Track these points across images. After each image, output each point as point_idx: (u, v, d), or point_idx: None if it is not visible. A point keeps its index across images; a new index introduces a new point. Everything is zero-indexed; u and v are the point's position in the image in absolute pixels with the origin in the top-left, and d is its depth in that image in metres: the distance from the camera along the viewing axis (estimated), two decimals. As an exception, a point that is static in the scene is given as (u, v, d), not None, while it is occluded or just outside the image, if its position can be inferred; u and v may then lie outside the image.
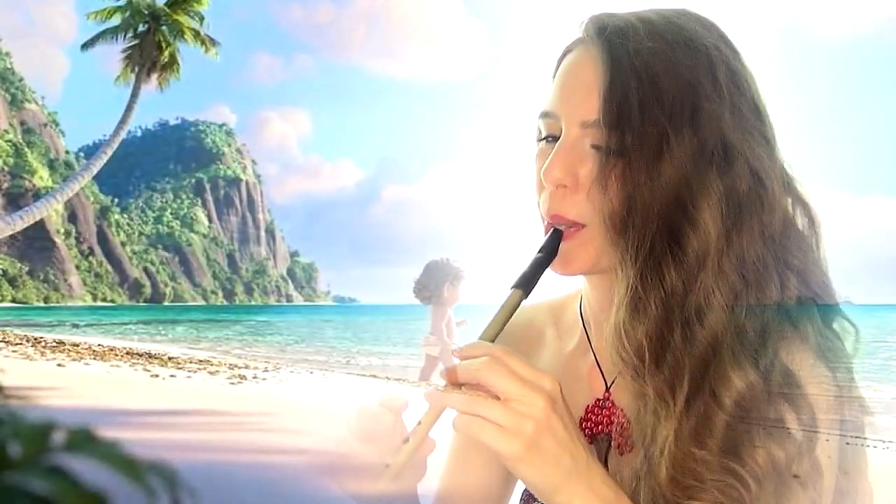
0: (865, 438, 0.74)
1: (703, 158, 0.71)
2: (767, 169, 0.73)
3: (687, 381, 0.70)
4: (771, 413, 0.70)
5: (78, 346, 15.02)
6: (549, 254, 0.76)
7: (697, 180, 0.70)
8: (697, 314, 0.70)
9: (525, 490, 0.92)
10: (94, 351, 14.00)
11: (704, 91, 0.72)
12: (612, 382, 0.84)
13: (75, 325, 39.89)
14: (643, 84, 0.71)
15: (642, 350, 0.71)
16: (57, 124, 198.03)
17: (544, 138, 0.80)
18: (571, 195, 0.75)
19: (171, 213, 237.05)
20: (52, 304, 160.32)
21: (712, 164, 0.71)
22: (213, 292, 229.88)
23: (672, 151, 0.70)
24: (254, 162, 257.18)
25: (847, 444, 0.73)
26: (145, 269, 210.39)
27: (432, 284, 5.41)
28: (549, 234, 0.76)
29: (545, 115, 0.79)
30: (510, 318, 0.73)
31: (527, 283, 0.75)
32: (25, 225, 21.44)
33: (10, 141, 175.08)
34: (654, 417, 0.71)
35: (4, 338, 15.90)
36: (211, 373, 11.00)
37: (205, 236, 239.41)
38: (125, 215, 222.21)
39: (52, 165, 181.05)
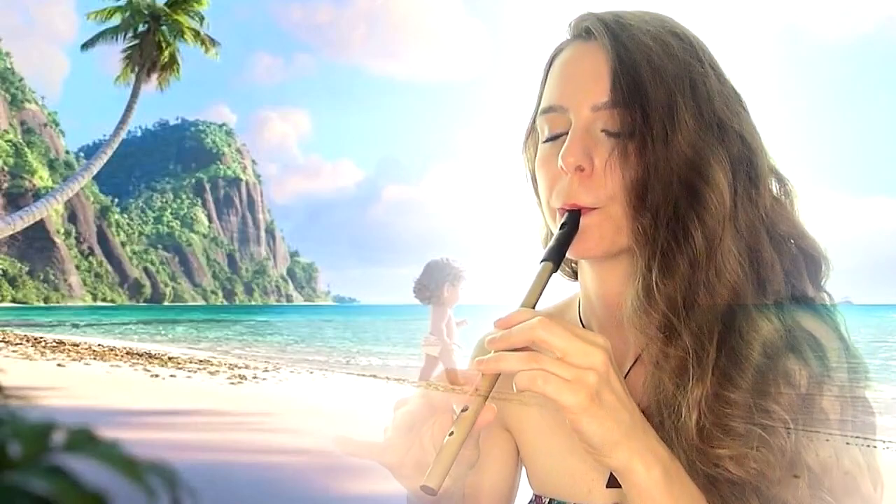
0: (867, 438, 0.74)
1: (704, 127, 0.77)
2: (752, 137, 0.80)
3: (717, 328, 0.74)
4: (794, 369, 0.73)
5: (78, 346, 15.03)
6: (571, 228, 0.77)
7: (704, 146, 0.76)
8: (719, 269, 0.75)
9: (533, 498, 0.92)
10: (94, 351, 14.00)
11: (696, 70, 0.79)
12: (625, 376, 0.83)
13: (75, 325, 39.92)
14: (647, 65, 0.77)
15: (675, 305, 0.74)
16: (57, 124, 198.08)
17: (549, 139, 0.81)
18: (587, 180, 0.77)
19: (171, 213, 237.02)
20: (52, 304, 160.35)
21: (712, 131, 0.77)
22: (213, 292, 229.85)
23: (681, 122, 0.76)
24: (254, 162, 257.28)
25: (847, 443, 0.73)
26: (145, 269, 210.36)
27: (432, 284, 5.40)
28: (568, 213, 0.78)
29: (549, 109, 0.81)
30: (544, 289, 0.75)
31: (555, 256, 0.76)
32: (25, 225, 21.44)
33: (10, 141, 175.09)
34: (682, 371, 0.73)
35: (4, 338, 15.92)
36: (211, 373, 11.00)
37: (205, 236, 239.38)
38: (125, 215, 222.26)
39: (52, 165, 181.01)
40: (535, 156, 0.84)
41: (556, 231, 0.79)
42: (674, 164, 0.75)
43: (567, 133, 0.79)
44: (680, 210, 0.75)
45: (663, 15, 0.83)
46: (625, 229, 0.77)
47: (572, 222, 0.77)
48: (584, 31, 0.82)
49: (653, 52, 0.77)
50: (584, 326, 0.89)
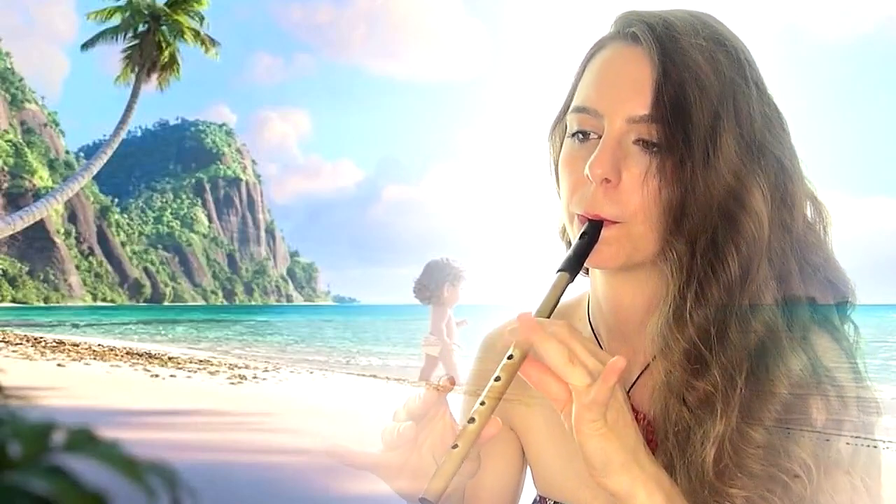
0: (868, 438, 0.74)
1: (745, 151, 0.74)
2: (790, 161, 0.77)
3: (747, 363, 0.71)
4: (813, 408, 0.72)
5: (78, 346, 15.01)
6: (591, 239, 0.75)
7: (744, 171, 0.73)
8: (753, 300, 0.73)
9: (536, 499, 0.92)
10: (94, 351, 13.98)
11: (741, 88, 0.75)
12: (633, 385, 0.83)
13: (75, 325, 39.85)
14: (694, 83, 0.73)
15: (706, 335, 0.72)
16: (57, 124, 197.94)
17: (575, 134, 0.79)
18: (613, 191, 0.74)
19: (171, 213, 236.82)
20: (52, 304, 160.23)
21: (751, 155, 0.74)
22: (213, 292, 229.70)
23: (722, 146, 0.72)
24: (254, 162, 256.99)
25: (847, 443, 0.73)
26: (145, 269, 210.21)
27: (432, 284, 5.40)
28: (589, 222, 0.76)
29: (582, 110, 0.78)
30: (559, 298, 0.73)
31: (572, 266, 0.74)
32: (25, 225, 21.41)
33: (10, 141, 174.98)
34: (706, 405, 0.72)
35: (4, 338, 15.90)
36: (211, 373, 10.99)
37: (205, 236, 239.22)
38: (125, 215, 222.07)
39: (52, 165, 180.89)
40: (561, 147, 0.81)
41: (573, 236, 0.77)
42: (713, 188, 0.72)
43: (596, 133, 0.77)
44: (718, 237, 0.72)
45: (712, 20, 0.78)
46: (643, 246, 0.76)
47: (592, 233, 0.75)
48: (631, 35, 0.77)
49: (701, 69, 0.73)
50: (592, 327, 0.89)
